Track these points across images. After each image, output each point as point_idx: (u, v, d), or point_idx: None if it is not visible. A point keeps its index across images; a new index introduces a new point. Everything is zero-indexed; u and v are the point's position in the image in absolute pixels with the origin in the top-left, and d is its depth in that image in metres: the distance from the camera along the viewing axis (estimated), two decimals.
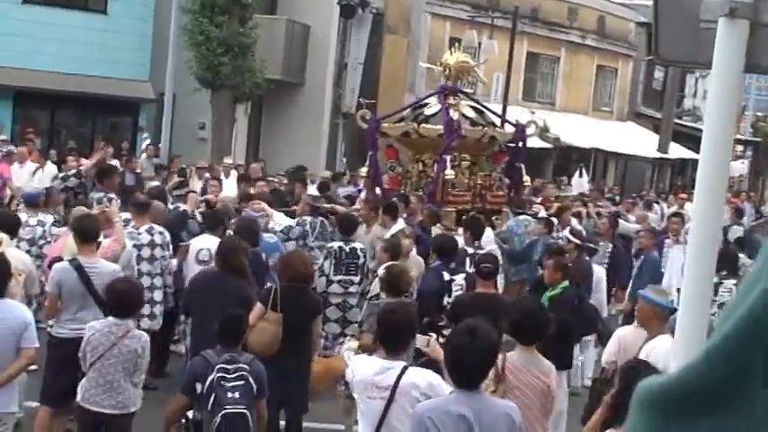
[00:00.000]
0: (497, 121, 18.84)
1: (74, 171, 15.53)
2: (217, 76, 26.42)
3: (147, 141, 27.05)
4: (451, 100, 17.40)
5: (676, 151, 42.24)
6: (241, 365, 7.33)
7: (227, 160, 22.69)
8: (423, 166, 17.37)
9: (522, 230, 15.42)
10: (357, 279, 12.02)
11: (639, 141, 41.98)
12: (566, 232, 14.83)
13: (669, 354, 8.19)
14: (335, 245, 12.22)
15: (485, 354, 5.69)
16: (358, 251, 12.18)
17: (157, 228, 11.51)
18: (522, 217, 16.04)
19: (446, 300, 10.62)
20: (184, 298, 10.02)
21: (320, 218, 13.83)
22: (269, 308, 8.93)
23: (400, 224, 13.63)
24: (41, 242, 12.03)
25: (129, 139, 29.36)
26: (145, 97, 29.79)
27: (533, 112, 19.64)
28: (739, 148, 53.18)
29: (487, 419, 5.56)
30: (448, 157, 16.57)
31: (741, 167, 50.99)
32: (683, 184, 42.81)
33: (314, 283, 10.74)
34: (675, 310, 8.21)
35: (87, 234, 9.40)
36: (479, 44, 33.66)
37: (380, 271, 11.29)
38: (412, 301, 9.57)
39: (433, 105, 17.60)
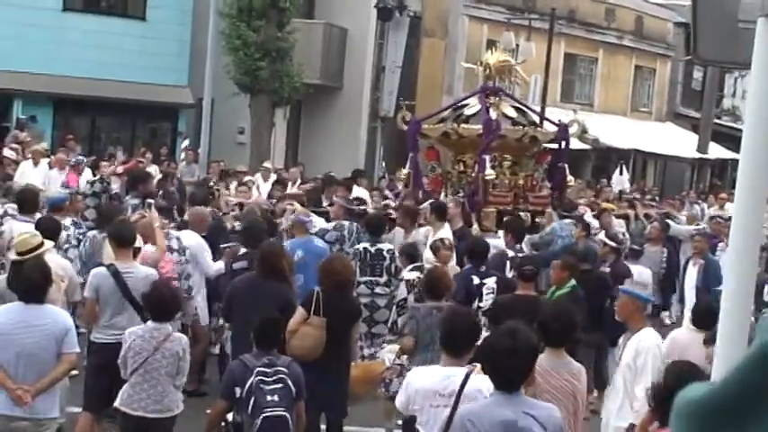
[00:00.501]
0: (539, 120, 18.63)
1: (99, 176, 15.72)
2: (255, 80, 26.52)
3: (187, 142, 27.16)
4: (492, 100, 17.23)
5: (716, 151, 41.94)
6: (280, 368, 7.36)
7: (267, 164, 22.77)
8: (464, 166, 17.22)
9: (566, 233, 15.09)
10: (383, 280, 12.03)
11: (678, 142, 41.72)
12: (601, 235, 14.71)
13: (657, 346, 8.17)
14: (361, 246, 12.26)
15: (525, 356, 5.67)
16: (384, 252, 12.19)
17: (174, 233, 11.53)
18: (567, 220, 15.72)
19: (476, 304, 10.60)
20: (225, 303, 10.07)
21: (356, 223, 13.82)
22: (312, 312, 8.95)
23: (446, 229, 13.56)
24: (66, 246, 12.08)
25: (168, 144, 29.53)
26: (184, 102, 29.96)
27: (576, 111, 19.38)
28: None
29: (529, 421, 5.54)
30: (487, 157, 16.38)
31: None
32: (721, 185, 42.56)
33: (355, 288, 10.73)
34: (654, 302, 8.24)
35: (123, 239, 9.49)
36: (517, 46, 33.56)
37: (405, 274, 11.30)
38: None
39: (473, 105, 17.44)
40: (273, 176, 21.77)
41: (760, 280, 10.11)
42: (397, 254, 12.29)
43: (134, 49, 28.77)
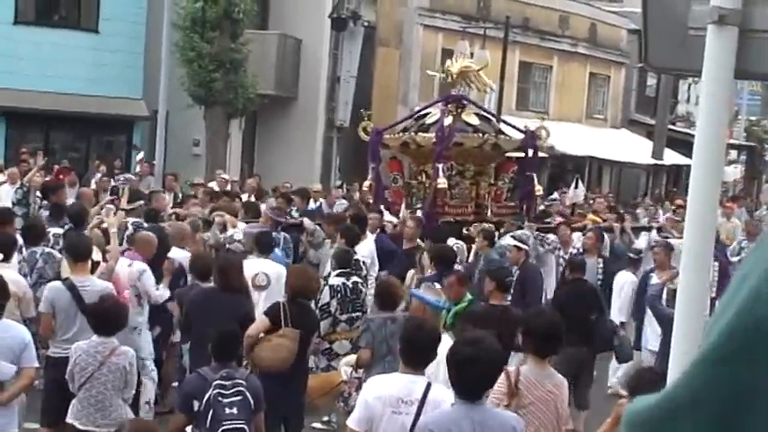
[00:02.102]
0: (509, 129, 18.11)
1: (19, 183, 15.65)
2: (210, 92, 26.43)
3: (141, 155, 27.01)
4: (452, 108, 16.87)
5: (671, 157, 42.27)
6: (238, 381, 7.34)
7: (223, 176, 22.68)
8: (425, 177, 16.81)
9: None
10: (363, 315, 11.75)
11: (634, 148, 42.00)
12: (508, 239, 13.88)
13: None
14: (338, 281, 11.26)
15: (487, 365, 5.68)
16: (361, 263, 12.14)
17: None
18: (519, 231, 15.08)
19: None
20: (182, 316, 10.01)
21: (283, 233, 13.74)
22: (282, 324, 8.92)
23: (368, 240, 13.56)
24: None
25: (123, 157, 29.34)
26: (138, 115, 29.79)
27: (544, 119, 19.07)
28: (733, 152, 53.26)
29: (489, 431, 5.54)
30: (440, 166, 15.96)
31: (735, 172, 51.03)
32: (677, 190, 42.88)
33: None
34: (447, 309, 8.10)
35: (79, 253, 9.43)
36: (472, 54, 33.63)
37: (331, 279, 11.20)
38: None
39: (434, 114, 17.10)
40: (229, 187, 21.69)
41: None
42: (363, 260, 12.23)
43: (87, 61, 28.58)
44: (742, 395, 0.97)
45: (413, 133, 16.82)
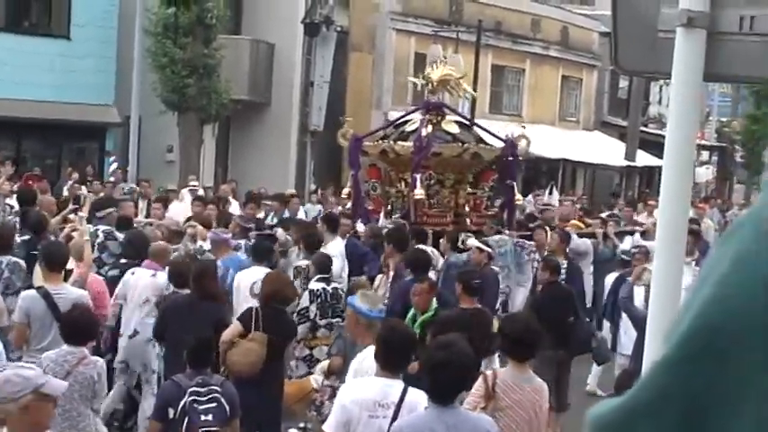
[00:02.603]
0: (489, 137, 17.69)
1: None
2: (182, 98, 26.33)
3: (115, 166, 26.92)
4: (435, 116, 16.56)
5: (643, 159, 42.43)
6: (213, 387, 7.32)
7: (193, 182, 22.60)
8: (404, 185, 16.45)
9: (502, 251, 14.66)
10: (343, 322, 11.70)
11: (606, 150, 42.16)
12: (473, 240, 13.65)
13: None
14: (303, 263, 11.90)
15: (460, 369, 5.69)
16: (339, 291, 11.97)
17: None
18: (496, 237, 15.08)
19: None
20: (157, 322, 9.98)
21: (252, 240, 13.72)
22: (252, 328, 8.92)
23: (337, 241, 13.54)
24: None
25: (95, 164, 29.21)
26: (111, 121, 29.67)
27: (524, 126, 18.85)
28: (705, 153, 53.50)
29: None
30: (419, 176, 15.66)
31: (707, 173, 51.26)
32: (649, 192, 43.06)
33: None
34: (381, 318, 7.92)
35: (54, 262, 9.39)
36: (445, 59, 33.71)
37: (311, 284, 11.16)
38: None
39: (415, 122, 16.82)
40: (201, 193, 21.63)
41: None
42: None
43: (59, 68, 28.45)
44: (702, 398, 0.98)
45: (392, 141, 16.58)
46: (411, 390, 6.28)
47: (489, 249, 13.14)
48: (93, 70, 28.99)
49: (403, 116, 18.49)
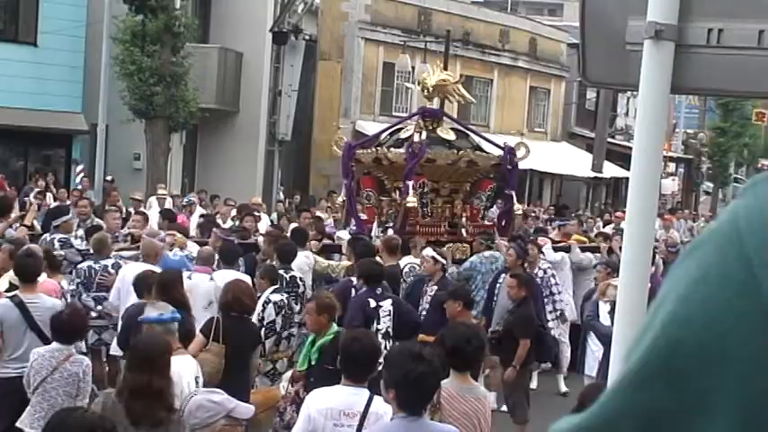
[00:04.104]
0: (487, 145, 17.18)
1: None
2: (150, 106, 26.24)
3: (82, 175, 26.81)
4: (431, 123, 16.10)
5: (610, 170, 42.66)
6: None
7: (161, 191, 22.52)
8: (398, 194, 15.81)
9: (486, 269, 14.11)
10: (297, 308, 11.57)
11: (574, 161, 42.34)
12: (428, 251, 13.19)
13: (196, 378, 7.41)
14: (279, 297, 11.59)
15: (427, 379, 5.68)
16: (297, 280, 11.97)
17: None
18: (487, 253, 14.49)
19: (374, 326, 10.42)
20: (121, 331, 9.92)
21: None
22: (211, 339, 8.89)
23: (306, 255, 13.40)
24: None
25: (62, 171, 29.07)
26: (78, 129, 29.49)
27: (523, 134, 18.53)
28: (671, 165, 53.86)
29: None
30: (411, 183, 15.12)
31: (673, 184, 51.60)
32: (611, 203, 43.32)
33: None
34: (177, 319, 7.76)
35: (28, 275, 9.41)
36: (413, 68, 33.79)
37: (272, 296, 11.13)
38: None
39: (409, 129, 16.30)
40: (169, 201, 21.55)
41: None
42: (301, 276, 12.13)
43: (25, 75, 28.23)
44: (661, 417, 0.97)
45: (385, 149, 16.12)
46: (376, 399, 6.27)
47: (442, 260, 12.97)
48: (60, 77, 28.81)
49: (398, 123, 18.06)
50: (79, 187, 24.90)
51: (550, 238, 17.53)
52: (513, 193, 16.62)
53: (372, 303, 10.70)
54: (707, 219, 36.46)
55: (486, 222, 16.49)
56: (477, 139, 17.18)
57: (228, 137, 31.50)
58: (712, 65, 2.93)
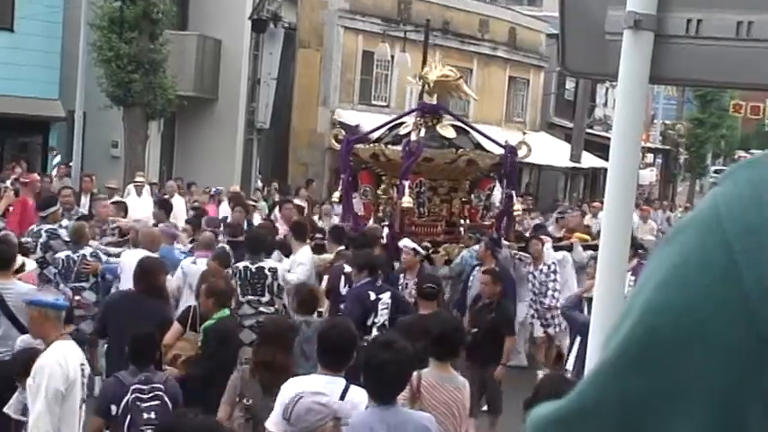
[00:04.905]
0: (490, 144, 16.79)
1: None
2: (128, 93, 26.13)
3: (58, 160, 26.67)
4: (430, 119, 15.84)
5: (588, 160, 42.75)
6: (156, 385, 7.27)
7: (139, 178, 22.42)
8: (395, 191, 15.46)
9: (476, 262, 13.97)
10: (265, 299, 11.60)
11: (552, 151, 42.35)
12: (406, 241, 13.21)
13: (58, 364, 7.17)
14: (241, 265, 11.76)
15: (399, 368, 5.70)
16: (265, 270, 11.78)
17: None
18: (476, 247, 14.41)
19: (372, 319, 10.40)
20: (98, 319, 9.90)
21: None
22: (188, 328, 8.88)
23: (305, 249, 13.27)
24: None
25: (39, 158, 28.92)
26: (55, 115, 29.35)
27: (525, 133, 18.33)
28: (649, 156, 54.03)
29: None
30: (407, 183, 14.80)
31: (651, 175, 51.77)
32: (578, 194, 43.48)
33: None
34: (64, 307, 7.79)
35: (2, 259, 9.40)
36: (392, 57, 33.77)
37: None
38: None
39: (409, 125, 15.96)
40: (147, 189, 21.46)
41: None
42: (280, 271, 12.05)
43: (2, 60, 28.07)
44: (638, 405, 0.97)
45: (383, 145, 15.85)
46: (352, 387, 6.28)
47: (421, 250, 12.93)
48: (37, 63, 28.64)
49: (398, 117, 17.65)
50: (54, 173, 24.78)
51: (551, 236, 17.43)
52: (513, 193, 16.35)
53: (372, 296, 10.64)
54: (684, 209, 36.62)
55: (485, 223, 16.15)
56: (477, 136, 16.86)
57: (207, 125, 31.41)
58: (691, 55, 2.92)
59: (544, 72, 44.91)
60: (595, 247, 17.53)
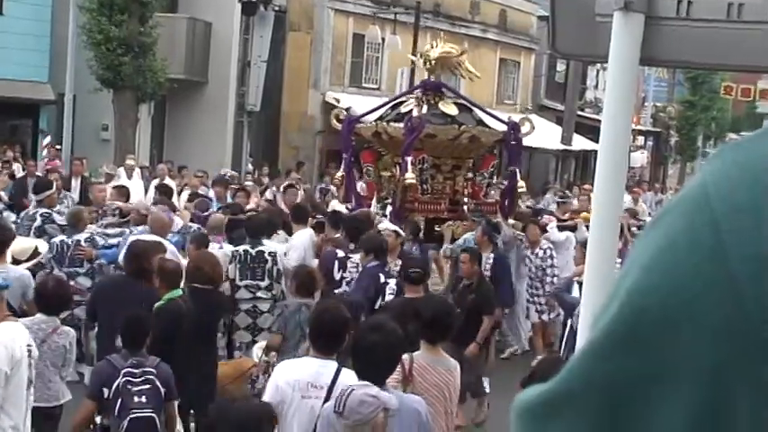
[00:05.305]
0: (492, 121, 16.74)
1: None
2: (118, 76, 26.07)
3: (48, 140, 26.62)
4: (432, 97, 15.79)
5: (579, 143, 42.74)
6: (147, 369, 7.28)
7: (130, 161, 22.38)
8: (398, 169, 15.49)
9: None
10: (264, 284, 11.58)
11: (543, 134, 42.30)
12: (386, 223, 13.15)
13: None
14: (241, 248, 11.71)
15: (389, 351, 5.71)
16: (265, 254, 11.73)
17: None
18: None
19: (379, 302, 10.36)
20: (90, 303, 9.89)
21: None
22: None
23: (305, 232, 13.25)
24: None
25: (29, 142, 28.84)
26: (44, 99, 29.28)
27: (527, 110, 18.18)
28: (640, 138, 54.05)
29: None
30: (409, 159, 14.77)
31: (642, 158, 51.79)
32: (576, 176, 43.48)
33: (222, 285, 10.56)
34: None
35: None
36: (383, 40, 33.70)
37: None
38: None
39: (409, 103, 15.98)
40: (137, 172, 21.43)
41: None
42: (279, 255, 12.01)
43: None
44: (625, 387, 0.96)
45: (384, 123, 15.78)
46: (344, 371, 6.29)
47: (402, 232, 12.88)
48: (26, 47, 28.54)
49: (400, 96, 17.65)
50: (44, 154, 24.73)
51: (557, 217, 17.40)
52: (517, 171, 16.29)
53: (382, 279, 10.64)
54: (675, 191, 36.66)
55: (489, 200, 16.12)
56: (480, 114, 16.77)
57: (197, 108, 31.34)
58: (682, 37, 2.92)
59: (535, 54, 44.88)
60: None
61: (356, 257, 11.50)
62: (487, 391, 11.62)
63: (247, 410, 5.07)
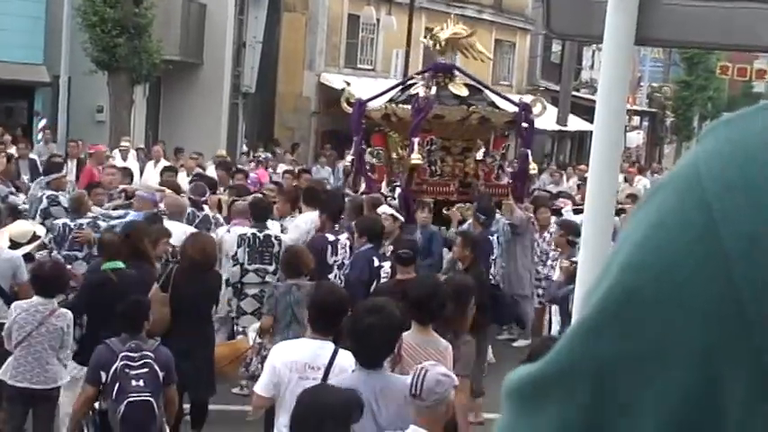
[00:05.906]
0: (504, 102, 16.54)
1: None
2: (113, 57, 26.01)
3: (43, 123, 26.57)
4: (442, 78, 15.57)
5: (575, 123, 42.72)
6: (146, 353, 7.28)
7: (125, 143, 22.33)
8: (407, 151, 15.16)
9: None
10: (272, 268, 11.34)
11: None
12: (384, 207, 13.00)
13: None
14: (249, 232, 11.50)
15: (386, 333, 5.72)
16: (272, 239, 11.57)
17: None
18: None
19: (374, 286, 10.26)
20: (80, 291, 9.87)
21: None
22: (159, 287, 8.91)
23: (311, 215, 13.11)
24: None
25: (24, 124, 28.79)
26: (40, 81, 29.20)
27: (541, 87, 17.97)
28: (636, 118, 54.01)
29: (388, 397, 5.59)
30: (416, 140, 14.56)
31: (637, 138, 51.76)
32: (572, 156, 43.42)
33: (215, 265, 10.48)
34: None
35: None
36: (378, 20, 33.65)
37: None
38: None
39: (419, 84, 15.80)
40: (132, 153, 21.39)
41: None
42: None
43: None
44: (615, 366, 0.96)
45: (393, 105, 15.58)
46: (341, 352, 6.29)
47: (400, 217, 12.81)
48: (21, 28, 28.44)
49: (410, 77, 17.42)
50: (39, 136, 24.68)
51: (573, 200, 17.27)
52: (529, 152, 16.17)
53: (376, 262, 10.61)
54: None
55: (500, 183, 15.92)
56: (492, 95, 16.63)
57: (192, 89, 31.28)
58: (677, 17, 2.92)
59: (530, 35, 44.82)
60: (618, 212, 17.43)
61: (343, 238, 11.49)
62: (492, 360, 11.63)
63: (337, 398, 5.09)
